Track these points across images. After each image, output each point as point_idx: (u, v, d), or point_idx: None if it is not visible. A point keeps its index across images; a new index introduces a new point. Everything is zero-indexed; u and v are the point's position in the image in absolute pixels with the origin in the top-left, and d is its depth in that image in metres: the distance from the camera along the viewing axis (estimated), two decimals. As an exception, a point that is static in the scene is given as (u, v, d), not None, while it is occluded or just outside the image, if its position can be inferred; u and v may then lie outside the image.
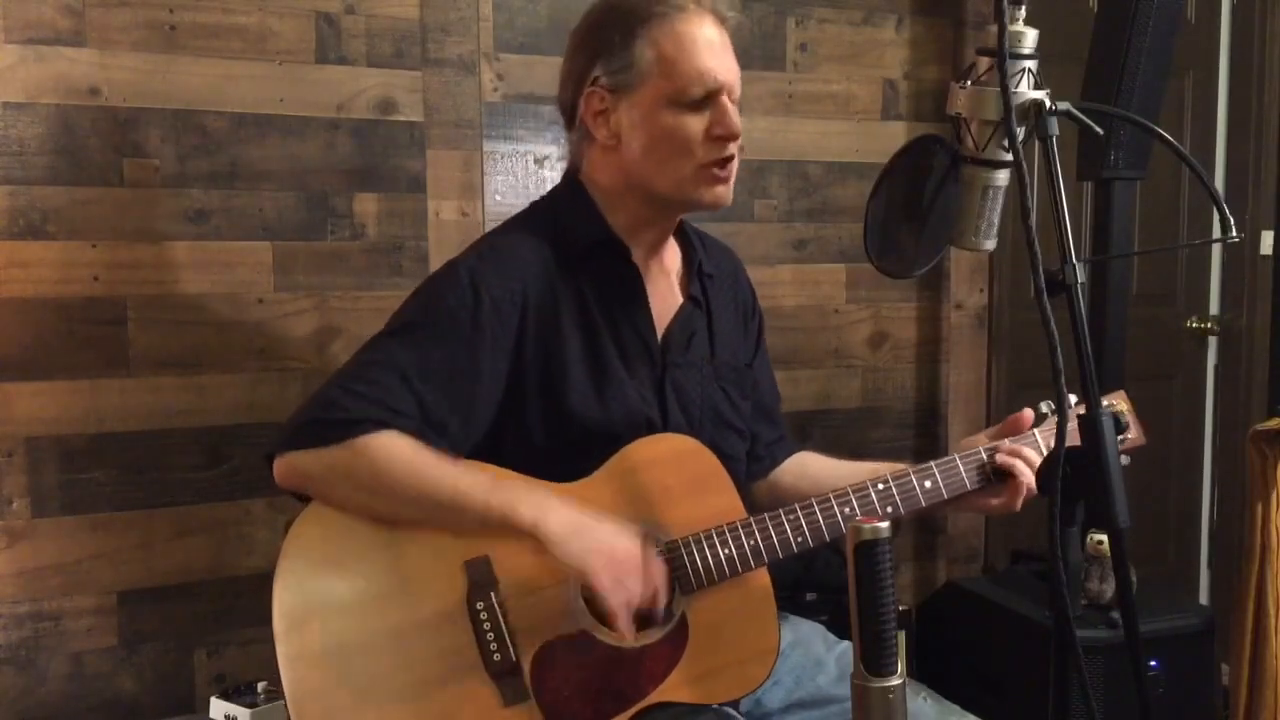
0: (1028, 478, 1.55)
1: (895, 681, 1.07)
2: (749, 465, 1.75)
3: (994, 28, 1.28)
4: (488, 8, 2.39)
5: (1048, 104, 1.32)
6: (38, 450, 2.10)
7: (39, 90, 2.07)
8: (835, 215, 2.77)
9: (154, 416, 2.18)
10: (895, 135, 2.77)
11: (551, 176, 2.42)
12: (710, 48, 1.52)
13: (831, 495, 1.54)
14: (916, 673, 2.54)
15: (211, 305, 2.21)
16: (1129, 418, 1.68)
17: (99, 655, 2.17)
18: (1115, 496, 1.22)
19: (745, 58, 1.59)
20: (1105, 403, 1.46)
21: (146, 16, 2.13)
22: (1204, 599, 3.32)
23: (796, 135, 2.72)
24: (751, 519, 1.51)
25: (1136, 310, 2.69)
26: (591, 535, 1.42)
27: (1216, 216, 1.36)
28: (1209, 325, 3.29)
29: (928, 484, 1.57)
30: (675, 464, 1.53)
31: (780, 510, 1.52)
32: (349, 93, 2.29)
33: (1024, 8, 1.38)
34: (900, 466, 1.61)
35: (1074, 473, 1.24)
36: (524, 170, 2.46)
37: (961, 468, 1.59)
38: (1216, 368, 3.33)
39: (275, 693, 2.01)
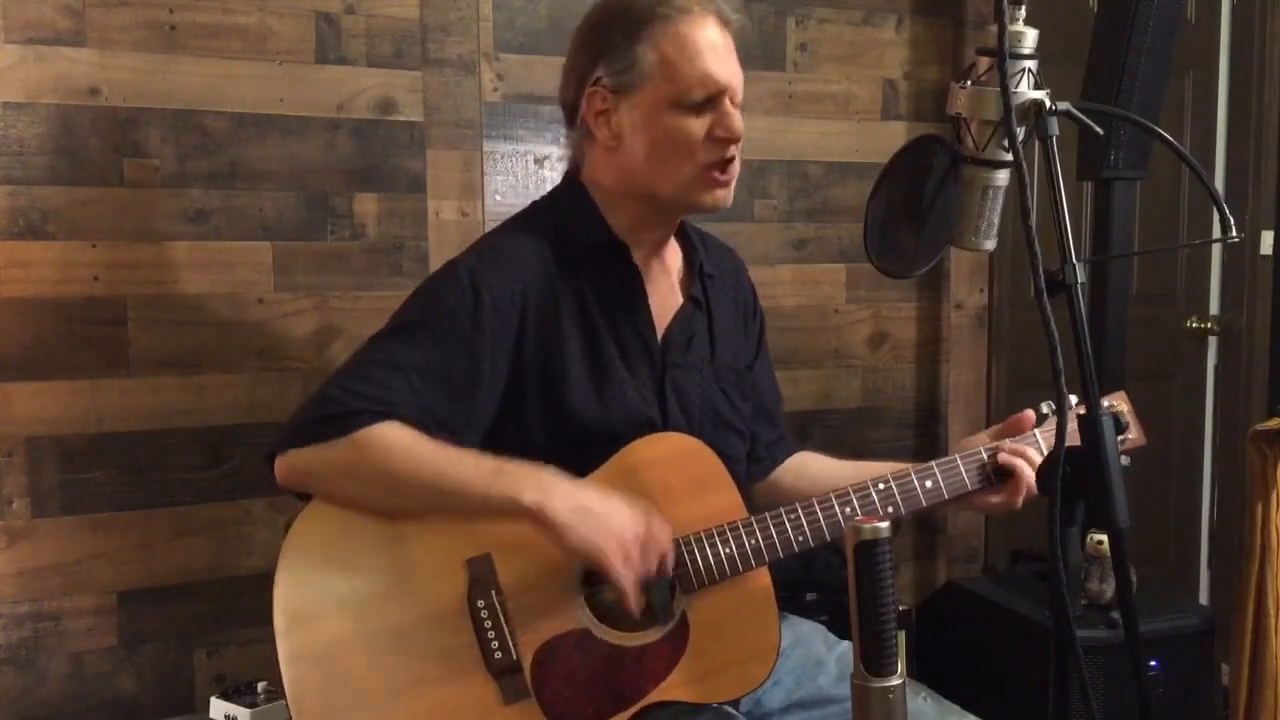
0: (1029, 477, 1.55)
1: (895, 681, 1.07)
2: (749, 466, 1.75)
3: (994, 28, 1.28)
4: (488, 8, 2.39)
5: (1048, 104, 1.32)
6: (38, 450, 2.10)
7: (39, 90, 2.07)
8: (835, 215, 2.77)
9: (154, 416, 2.18)
10: (895, 135, 2.77)
11: (551, 176, 2.42)
12: (713, 51, 1.52)
13: (832, 495, 1.54)
14: (916, 673, 2.54)
15: (211, 305, 2.21)
16: (1129, 418, 1.68)
17: (99, 655, 2.17)
18: (1115, 496, 1.22)
19: (745, 58, 1.58)
20: (1105, 403, 1.46)
21: (146, 16, 2.13)
22: (1204, 599, 3.32)
23: (796, 135, 2.72)
24: (752, 518, 1.51)
25: (1136, 310, 2.69)
26: (597, 518, 1.41)
27: (1216, 216, 1.36)
28: (1209, 325, 3.29)
29: (928, 484, 1.57)
30: (676, 463, 1.53)
31: (781, 509, 1.52)
32: (349, 93, 2.29)
33: (1024, 8, 1.38)
34: (901, 466, 1.60)
35: (1074, 473, 1.24)
36: (524, 170, 2.46)
37: (962, 467, 1.59)
38: (1216, 368, 3.33)
39: (275, 693, 2.01)
